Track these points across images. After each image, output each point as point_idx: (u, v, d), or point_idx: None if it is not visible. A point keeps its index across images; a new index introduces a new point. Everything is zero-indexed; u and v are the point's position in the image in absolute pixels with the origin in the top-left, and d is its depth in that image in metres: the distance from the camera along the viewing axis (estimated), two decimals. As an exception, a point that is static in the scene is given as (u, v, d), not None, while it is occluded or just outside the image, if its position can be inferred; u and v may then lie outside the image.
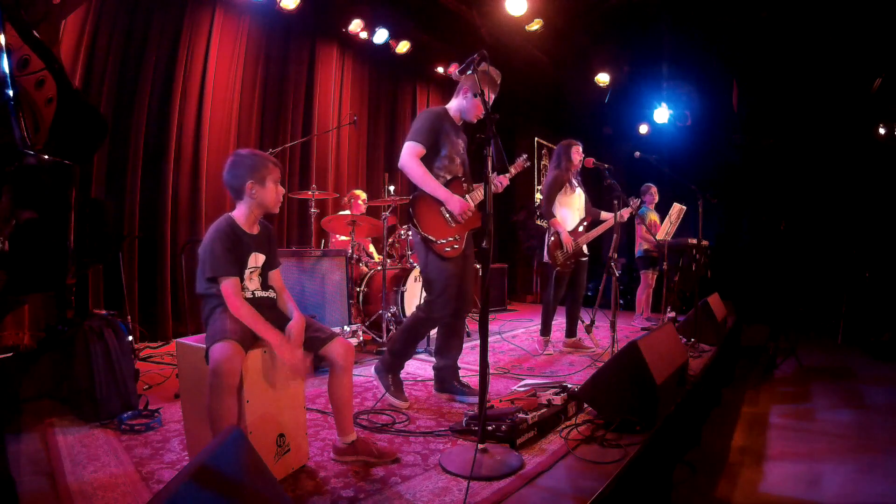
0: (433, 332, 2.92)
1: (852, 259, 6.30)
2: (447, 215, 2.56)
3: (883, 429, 3.10)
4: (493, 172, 1.98)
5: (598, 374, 2.27)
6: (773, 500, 2.28)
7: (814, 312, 6.61)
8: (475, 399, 2.59)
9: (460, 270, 2.60)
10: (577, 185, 3.83)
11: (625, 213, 3.67)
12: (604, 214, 3.88)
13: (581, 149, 3.81)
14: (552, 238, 3.70)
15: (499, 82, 2.67)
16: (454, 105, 2.70)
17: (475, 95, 2.54)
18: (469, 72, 2.27)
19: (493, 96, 2.59)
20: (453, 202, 2.51)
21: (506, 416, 2.01)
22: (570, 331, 3.95)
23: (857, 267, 6.18)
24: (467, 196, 2.62)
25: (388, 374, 2.59)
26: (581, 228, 3.76)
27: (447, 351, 2.71)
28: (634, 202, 3.77)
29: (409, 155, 2.50)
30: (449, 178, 2.59)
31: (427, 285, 2.61)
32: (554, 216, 3.71)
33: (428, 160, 2.55)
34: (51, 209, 1.73)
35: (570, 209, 3.78)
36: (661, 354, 2.30)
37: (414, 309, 2.92)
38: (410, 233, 2.61)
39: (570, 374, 3.13)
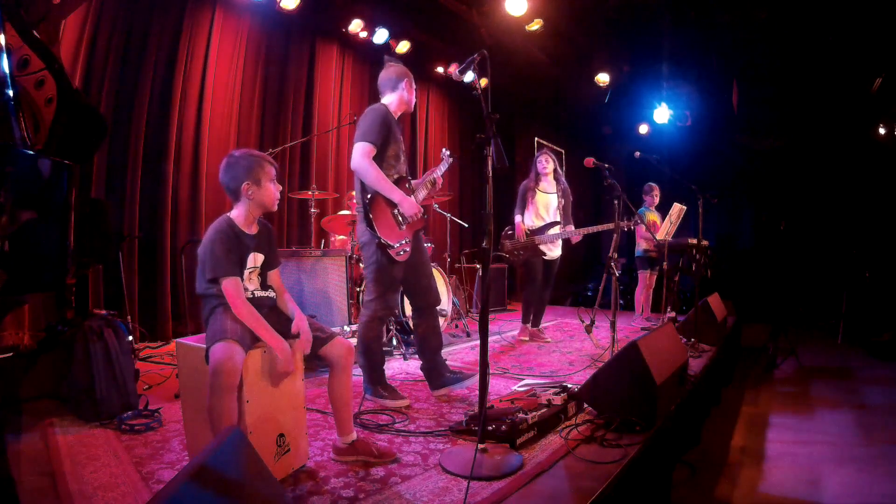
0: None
1: (852, 259, 6.30)
2: (399, 217, 2.58)
3: (883, 429, 3.10)
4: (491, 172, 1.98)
5: (598, 374, 2.27)
6: (773, 500, 2.28)
7: (814, 312, 6.61)
8: (471, 381, 2.65)
9: (409, 271, 2.64)
10: (541, 191, 4.16)
11: (576, 237, 4.10)
12: (569, 228, 4.16)
13: (546, 157, 4.18)
14: (508, 230, 4.21)
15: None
16: (393, 100, 2.69)
17: (403, 80, 2.68)
18: (459, 72, 2.43)
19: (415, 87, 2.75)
20: (407, 204, 2.54)
21: (506, 416, 2.01)
22: (534, 321, 4.29)
23: (857, 267, 6.18)
24: (412, 197, 2.65)
25: (376, 387, 2.59)
26: (545, 230, 4.09)
27: (428, 349, 2.72)
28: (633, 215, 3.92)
29: (363, 156, 2.49)
30: (396, 177, 2.60)
31: (370, 284, 2.63)
32: (517, 214, 4.16)
33: (377, 160, 2.55)
34: (51, 209, 1.73)
35: (531, 212, 4.17)
36: (661, 354, 2.30)
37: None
38: (359, 231, 2.62)
39: (570, 374, 3.13)
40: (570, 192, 4.26)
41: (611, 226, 3.59)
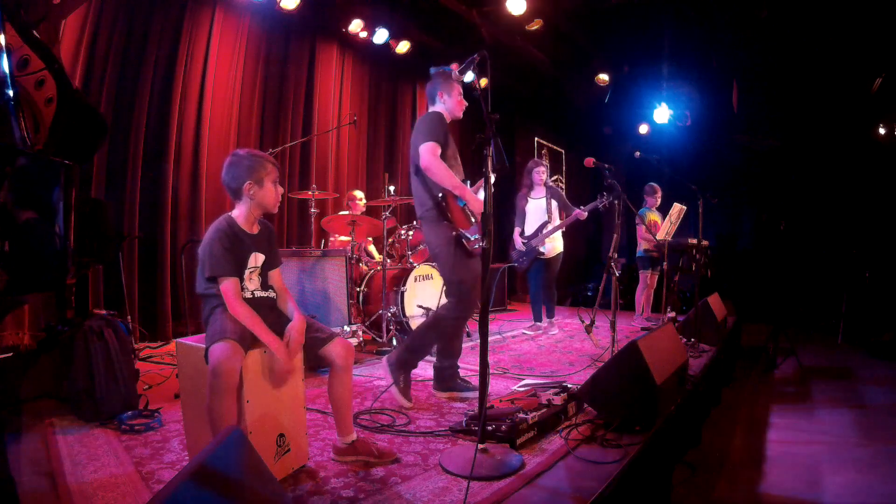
0: None
1: (852, 259, 6.30)
2: (468, 213, 2.60)
3: (883, 429, 3.10)
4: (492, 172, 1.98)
5: (598, 374, 2.27)
6: (773, 500, 2.28)
7: (814, 312, 6.61)
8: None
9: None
10: (533, 198, 4.57)
11: (581, 214, 4.28)
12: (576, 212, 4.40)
13: (542, 169, 4.57)
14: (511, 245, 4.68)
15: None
16: (441, 109, 2.71)
17: (458, 92, 2.72)
18: (458, 72, 2.54)
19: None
20: (475, 202, 2.55)
21: (506, 416, 2.01)
22: (535, 316, 4.73)
23: (857, 267, 6.18)
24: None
25: (400, 371, 2.55)
26: (539, 231, 4.44)
27: (450, 351, 2.71)
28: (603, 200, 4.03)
29: (433, 155, 2.48)
30: (458, 178, 2.60)
31: (453, 285, 2.58)
32: (517, 227, 4.60)
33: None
34: (51, 209, 1.73)
35: (527, 220, 4.58)
36: (661, 354, 2.30)
37: (414, 308, 2.92)
38: (431, 235, 2.61)
39: (570, 374, 3.13)
40: (558, 192, 4.61)
41: (597, 203, 3.98)
